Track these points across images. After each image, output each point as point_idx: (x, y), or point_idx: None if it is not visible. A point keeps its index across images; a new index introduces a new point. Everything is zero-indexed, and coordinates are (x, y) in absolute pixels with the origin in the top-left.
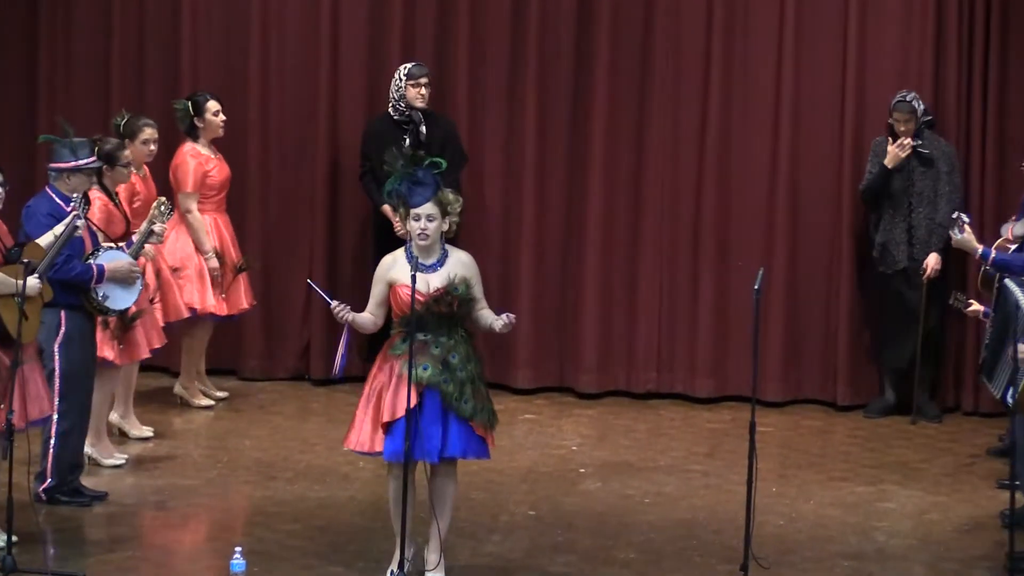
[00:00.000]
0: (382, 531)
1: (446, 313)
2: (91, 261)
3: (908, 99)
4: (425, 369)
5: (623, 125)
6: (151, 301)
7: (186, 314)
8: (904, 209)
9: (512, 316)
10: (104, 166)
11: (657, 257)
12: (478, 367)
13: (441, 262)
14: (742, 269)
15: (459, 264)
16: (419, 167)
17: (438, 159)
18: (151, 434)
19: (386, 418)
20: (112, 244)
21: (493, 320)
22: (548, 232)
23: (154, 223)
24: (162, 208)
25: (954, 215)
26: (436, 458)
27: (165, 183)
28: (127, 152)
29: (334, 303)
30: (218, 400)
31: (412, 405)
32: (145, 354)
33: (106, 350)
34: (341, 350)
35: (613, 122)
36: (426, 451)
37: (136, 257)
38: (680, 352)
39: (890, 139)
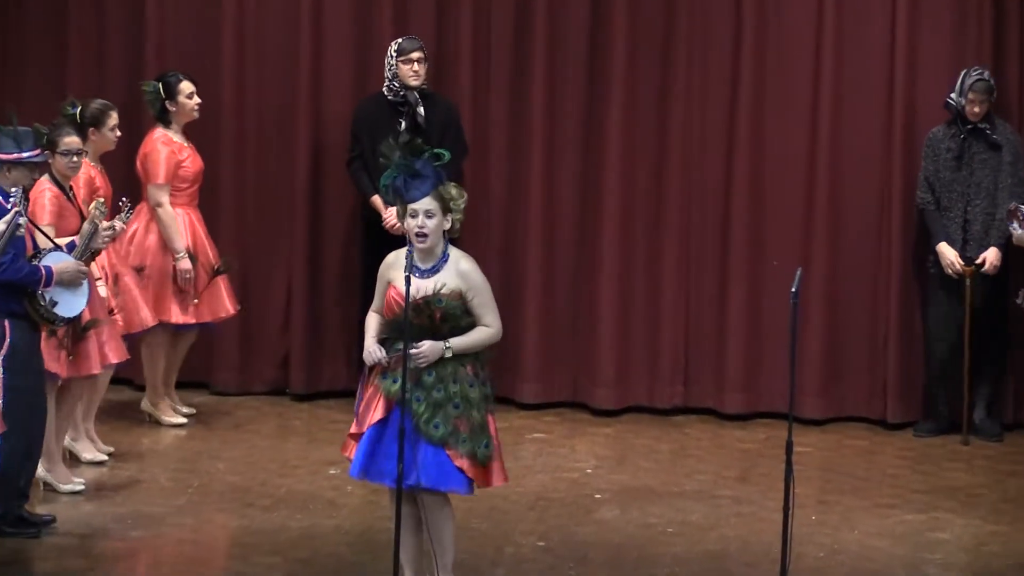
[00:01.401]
0: (372, 564)
1: (428, 325)
2: (36, 263)
3: (986, 76)
4: (395, 382)
5: (643, 108)
6: (111, 312)
7: (152, 323)
8: (960, 203)
9: (417, 347)
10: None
11: (682, 257)
12: (472, 391)
13: (437, 267)
14: (777, 270)
15: (453, 273)
16: (418, 158)
17: (440, 150)
18: (105, 458)
19: (353, 430)
20: (54, 245)
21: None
22: (559, 228)
23: (96, 223)
24: (102, 208)
25: (1011, 206)
26: (389, 482)
27: (126, 175)
28: (71, 139)
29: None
30: (186, 417)
31: (396, 422)
32: (96, 369)
33: (51, 362)
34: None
35: (632, 105)
36: (383, 473)
37: (84, 261)
38: (708, 363)
39: (949, 125)
